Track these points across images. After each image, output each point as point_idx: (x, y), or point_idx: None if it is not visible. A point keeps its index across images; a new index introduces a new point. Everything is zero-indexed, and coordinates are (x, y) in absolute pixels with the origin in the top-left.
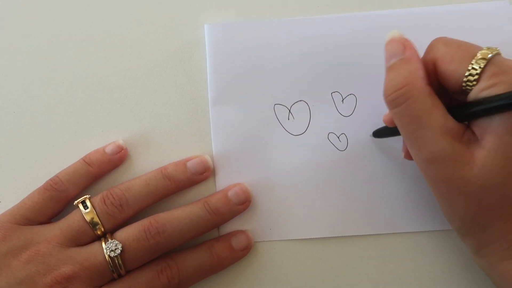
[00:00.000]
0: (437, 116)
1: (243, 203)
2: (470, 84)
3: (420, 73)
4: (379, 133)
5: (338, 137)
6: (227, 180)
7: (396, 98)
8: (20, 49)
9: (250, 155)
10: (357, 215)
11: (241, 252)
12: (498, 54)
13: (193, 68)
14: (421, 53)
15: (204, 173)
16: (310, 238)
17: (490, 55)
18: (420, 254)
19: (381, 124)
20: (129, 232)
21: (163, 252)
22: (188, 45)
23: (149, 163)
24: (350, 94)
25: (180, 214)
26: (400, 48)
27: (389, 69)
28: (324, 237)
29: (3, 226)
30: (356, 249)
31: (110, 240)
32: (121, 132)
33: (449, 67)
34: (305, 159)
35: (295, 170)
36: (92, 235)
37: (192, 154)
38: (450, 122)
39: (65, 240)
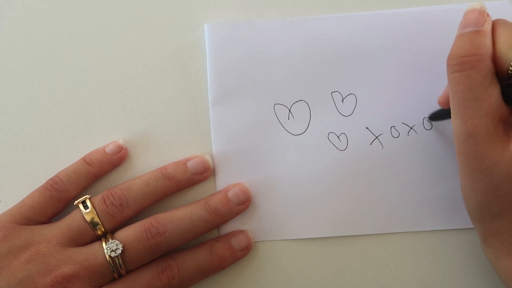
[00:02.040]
0: (492, 93)
1: (243, 203)
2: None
3: (491, 50)
4: (436, 116)
5: (338, 137)
6: (227, 180)
7: (461, 63)
8: (20, 49)
9: (250, 155)
10: (357, 214)
11: (241, 252)
12: None
13: (193, 68)
14: (423, 53)
15: (204, 173)
16: (310, 238)
17: None
18: (420, 254)
19: (382, 124)
20: (129, 232)
21: (163, 252)
22: (188, 45)
23: (149, 163)
24: (350, 94)
25: (181, 214)
26: (481, 20)
27: (462, 35)
28: (324, 237)
29: (3, 226)
30: (356, 249)
31: (110, 240)
32: (121, 132)
33: (502, 49)
34: (305, 159)
35: (295, 170)
36: (92, 235)
37: (192, 154)
38: (501, 102)
39: (65, 240)
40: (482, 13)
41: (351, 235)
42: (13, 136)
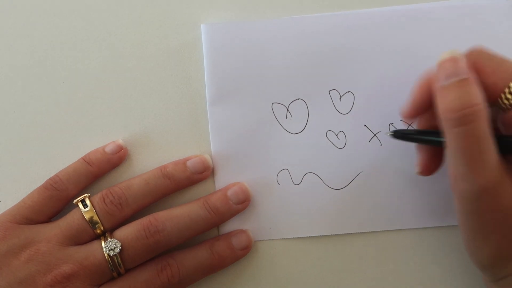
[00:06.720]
0: (493, 142)
1: (242, 202)
2: (507, 102)
3: (483, 95)
4: (403, 135)
5: (337, 135)
6: (226, 180)
7: (463, 116)
8: (20, 49)
9: (248, 154)
10: (357, 212)
11: (242, 252)
12: None
13: (192, 68)
14: (420, 50)
15: (203, 172)
16: (310, 237)
17: None
18: (420, 253)
19: (380, 121)
20: (128, 231)
21: (162, 250)
22: (187, 45)
23: (148, 162)
24: (348, 92)
25: (180, 212)
26: (462, 66)
27: (450, 87)
28: (324, 235)
29: (3, 225)
30: (356, 247)
31: (109, 239)
32: (121, 132)
33: (488, 79)
34: (304, 158)
35: (294, 169)
36: (92, 234)
37: (191, 154)
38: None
39: (65, 239)
40: (460, 60)
41: (351, 233)
42: (13, 136)
